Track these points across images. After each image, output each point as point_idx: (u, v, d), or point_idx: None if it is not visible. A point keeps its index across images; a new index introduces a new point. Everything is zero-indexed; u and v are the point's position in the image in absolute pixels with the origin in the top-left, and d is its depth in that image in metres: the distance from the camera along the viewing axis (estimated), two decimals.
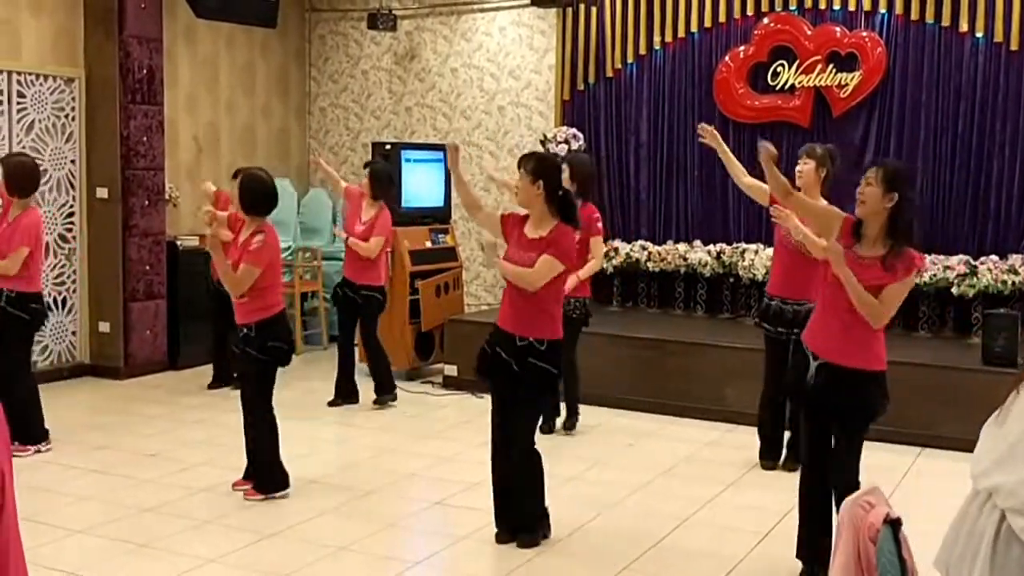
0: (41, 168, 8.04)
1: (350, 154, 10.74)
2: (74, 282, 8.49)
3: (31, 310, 6.22)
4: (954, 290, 7.67)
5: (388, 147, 8.76)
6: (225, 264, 5.36)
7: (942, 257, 7.77)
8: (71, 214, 8.43)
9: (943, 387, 6.65)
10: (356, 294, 7.45)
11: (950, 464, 6.09)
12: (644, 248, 8.94)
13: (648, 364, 7.65)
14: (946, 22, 7.83)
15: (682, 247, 8.82)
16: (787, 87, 8.37)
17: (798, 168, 5.87)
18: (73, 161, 8.42)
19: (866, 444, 4.41)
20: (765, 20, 8.47)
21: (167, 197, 8.82)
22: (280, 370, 5.56)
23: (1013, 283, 7.48)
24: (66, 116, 8.35)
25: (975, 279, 7.58)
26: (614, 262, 8.90)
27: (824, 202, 5.55)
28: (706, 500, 5.61)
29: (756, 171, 8.35)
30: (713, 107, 8.70)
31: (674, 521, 5.26)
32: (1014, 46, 7.62)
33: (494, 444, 4.93)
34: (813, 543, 4.40)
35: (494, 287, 9.78)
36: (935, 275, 7.69)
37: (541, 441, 5.04)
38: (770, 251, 6.73)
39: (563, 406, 6.92)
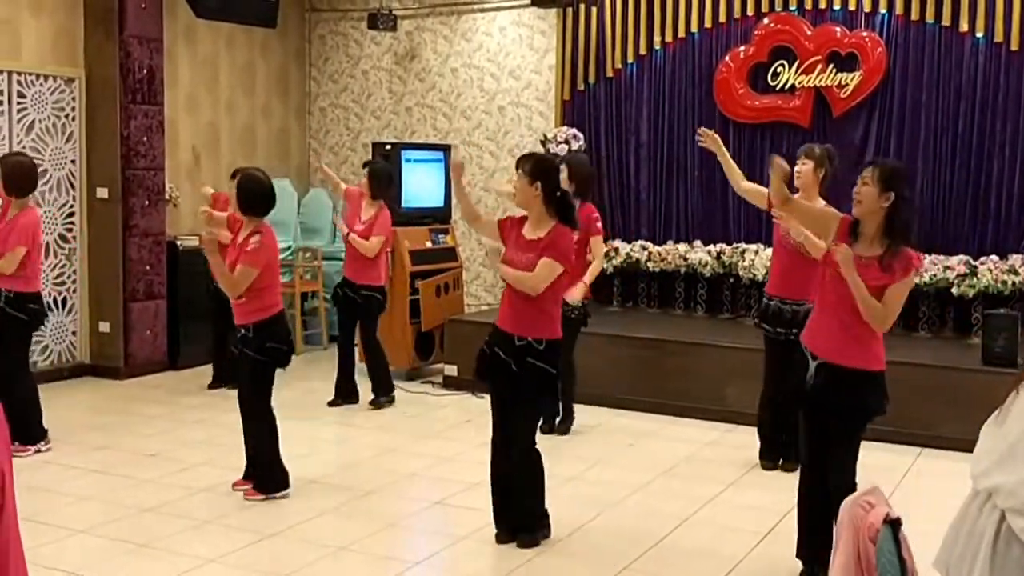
0: (41, 168, 8.07)
1: (350, 154, 10.75)
2: (74, 282, 8.49)
3: (29, 310, 6.21)
4: (954, 290, 7.67)
5: (388, 147, 8.76)
6: (221, 265, 5.35)
7: (942, 257, 7.77)
8: (71, 214, 8.43)
9: (943, 387, 6.65)
10: (356, 294, 7.45)
11: (950, 464, 6.09)
12: (644, 248, 8.94)
13: (648, 364, 7.65)
14: (946, 22, 7.84)
15: (682, 247, 8.82)
16: (787, 87, 8.37)
17: (796, 169, 5.88)
18: (73, 161, 8.42)
19: (866, 444, 4.41)
20: (765, 20, 8.47)
21: (167, 197, 8.82)
22: (280, 370, 5.56)
23: (1013, 283, 7.48)
24: (66, 116, 8.35)
25: (975, 279, 7.58)
26: (614, 262, 8.90)
27: (822, 202, 5.58)
28: (706, 500, 5.61)
29: (756, 172, 8.42)
30: (713, 107, 8.70)
31: (674, 521, 5.26)
32: (1014, 46, 7.61)
33: (494, 444, 4.94)
34: (813, 543, 4.40)
35: (494, 287, 9.78)
36: (935, 275, 7.70)
37: (541, 441, 5.03)
38: (770, 251, 6.73)
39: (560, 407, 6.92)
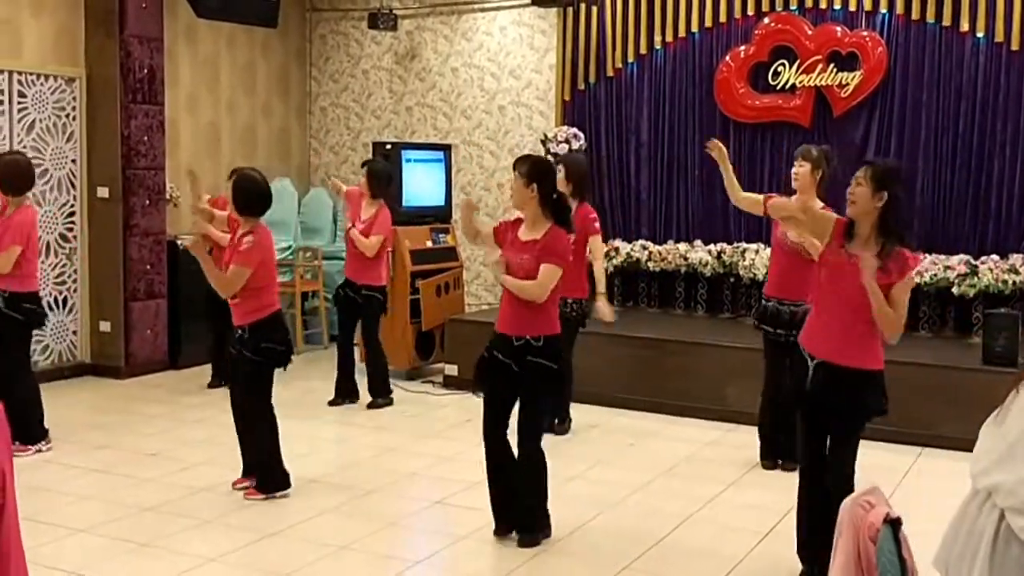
0: (42, 168, 8.08)
1: (351, 154, 10.75)
2: (75, 281, 8.50)
3: (25, 310, 6.18)
4: (955, 290, 7.67)
5: (389, 147, 8.75)
6: (211, 266, 5.35)
7: (943, 257, 7.77)
8: (72, 214, 8.44)
9: (944, 387, 6.65)
10: (357, 294, 7.45)
11: (950, 464, 6.09)
12: (645, 248, 8.94)
13: (648, 364, 7.65)
14: (947, 22, 7.83)
15: (683, 247, 8.82)
16: (788, 87, 8.37)
17: (794, 170, 5.89)
18: (74, 161, 8.42)
19: (866, 444, 4.42)
20: (766, 20, 8.47)
21: (168, 197, 8.83)
22: (281, 370, 5.55)
23: (1014, 283, 7.48)
24: (67, 116, 8.36)
25: (976, 279, 7.58)
26: (615, 261, 8.91)
27: (820, 204, 5.63)
28: (707, 499, 5.62)
29: (756, 172, 8.43)
30: (714, 107, 8.70)
31: (675, 520, 5.26)
32: (1015, 46, 7.61)
33: (487, 439, 4.90)
34: (813, 543, 4.40)
35: (495, 287, 9.78)
36: (936, 275, 7.70)
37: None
38: (771, 251, 6.72)
39: None
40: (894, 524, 2.28)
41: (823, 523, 4.29)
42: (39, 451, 6.24)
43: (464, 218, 5.11)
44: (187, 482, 5.73)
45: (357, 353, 7.73)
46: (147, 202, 8.48)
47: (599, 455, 6.48)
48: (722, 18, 8.67)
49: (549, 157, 8.50)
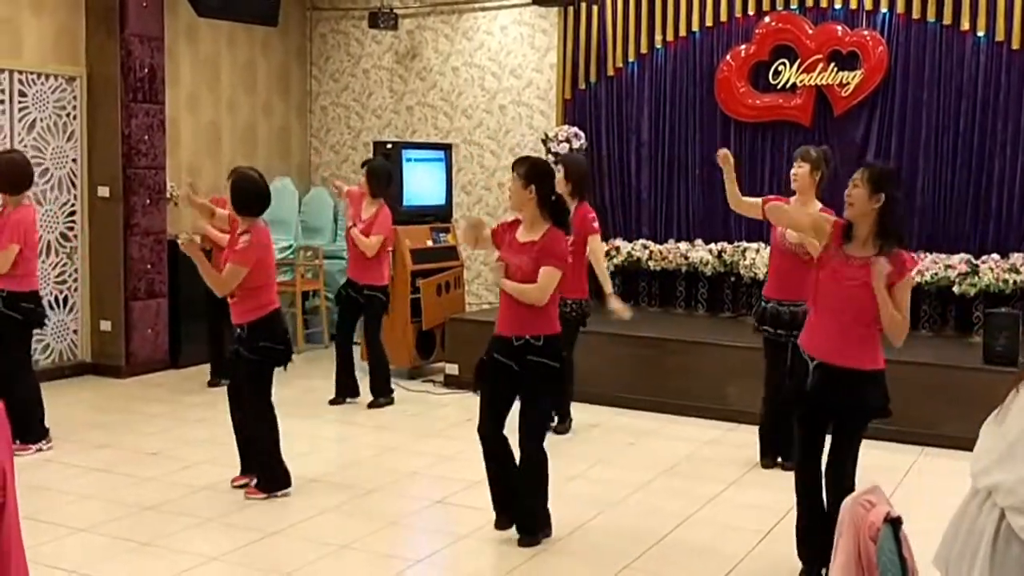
0: (43, 167, 8.09)
1: (351, 153, 10.75)
2: (75, 281, 8.50)
3: (24, 310, 6.17)
4: (955, 289, 7.66)
5: (389, 146, 8.75)
6: (205, 265, 5.36)
7: (943, 256, 7.77)
8: (72, 213, 8.44)
9: (944, 386, 6.65)
10: (359, 294, 7.45)
11: (951, 463, 6.09)
12: (645, 247, 8.94)
13: (649, 363, 7.65)
14: (947, 21, 7.83)
15: (683, 246, 8.82)
16: (788, 86, 8.37)
17: (793, 171, 5.90)
18: (74, 160, 8.43)
19: (867, 443, 4.41)
20: (766, 19, 8.47)
21: (168, 196, 8.82)
22: (282, 370, 5.55)
23: (1014, 282, 7.48)
24: (67, 115, 8.36)
25: (976, 278, 7.58)
26: (615, 261, 8.90)
27: (819, 205, 5.66)
28: (707, 499, 5.62)
29: (757, 171, 8.42)
30: (714, 106, 8.70)
31: (675, 519, 5.26)
32: (1015, 45, 7.61)
33: (484, 438, 4.90)
34: (812, 542, 4.40)
35: (495, 286, 9.77)
36: (936, 274, 7.70)
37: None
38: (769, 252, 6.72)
39: None
40: (895, 523, 2.28)
41: (822, 522, 4.30)
42: (40, 450, 6.24)
43: (467, 234, 5.11)
44: (188, 481, 5.74)
45: (357, 352, 7.73)
46: (148, 201, 8.49)
47: (600, 454, 6.49)
48: (723, 17, 8.67)
49: (550, 156, 8.52)
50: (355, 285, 7.47)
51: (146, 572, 4.52)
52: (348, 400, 7.64)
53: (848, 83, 8.11)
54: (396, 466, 6.17)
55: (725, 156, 5.46)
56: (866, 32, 8.08)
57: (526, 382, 4.76)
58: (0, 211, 6.21)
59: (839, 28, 8.18)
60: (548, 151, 8.75)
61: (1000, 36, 7.66)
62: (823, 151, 5.94)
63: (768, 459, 6.21)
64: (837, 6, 8.21)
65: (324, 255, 9.89)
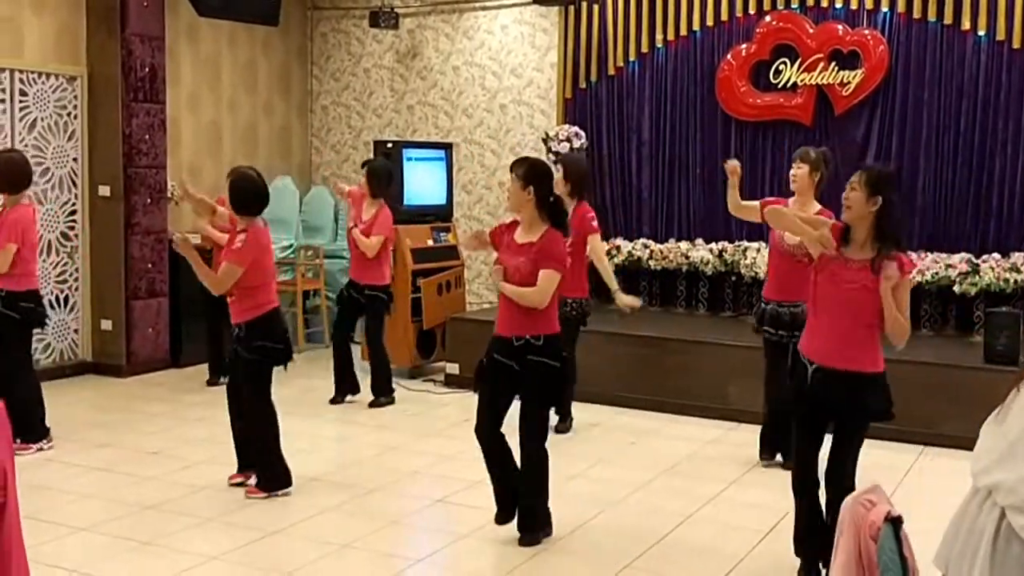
0: (43, 166, 8.09)
1: (352, 152, 10.75)
2: (76, 280, 8.50)
3: (22, 309, 6.16)
4: (956, 288, 7.66)
5: (390, 145, 8.75)
6: (200, 264, 5.36)
7: (944, 255, 7.77)
8: (73, 212, 8.44)
9: (945, 385, 6.65)
10: (360, 294, 7.45)
11: (952, 462, 6.09)
12: (646, 246, 8.94)
13: (650, 362, 7.65)
14: (948, 20, 7.83)
15: (684, 245, 8.82)
16: (789, 85, 8.36)
17: (792, 172, 5.90)
18: (75, 159, 8.43)
19: (867, 442, 4.40)
20: (767, 18, 8.47)
21: (169, 195, 8.83)
22: (282, 370, 5.55)
23: (1015, 281, 7.48)
24: (68, 114, 8.36)
25: (977, 277, 7.58)
26: (616, 260, 8.89)
27: (818, 206, 5.67)
28: (708, 498, 5.62)
29: (757, 171, 8.42)
30: (715, 105, 8.70)
31: (676, 519, 5.26)
32: (1016, 44, 7.61)
33: (482, 435, 4.89)
34: (811, 541, 4.40)
35: (495, 286, 9.77)
36: (937, 273, 7.69)
37: None
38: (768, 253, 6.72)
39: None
40: (895, 522, 2.28)
41: (822, 521, 4.30)
42: (41, 449, 6.24)
43: (469, 244, 5.11)
44: (188, 480, 5.74)
45: (356, 350, 7.73)
46: (148, 200, 8.49)
47: (600, 453, 6.49)
48: (723, 16, 8.67)
49: (550, 156, 8.52)
50: (357, 286, 7.47)
51: (147, 571, 4.52)
52: (349, 397, 7.64)
53: (849, 82, 8.10)
54: (397, 465, 6.17)
55: (734, 168, 5.48)
56: (867, 31, 8.07)
57: (526, 382, 4.76)
58: None
59: (840, 27, 8.18)
60: (549, 150, 8.76)
61: (1001, 35, 7.66)
62: (822, 152, 5.94)
63: (767, 454, 6.21)
64: (838, 5, 8.20)
65: (325, 254, 9.89)
